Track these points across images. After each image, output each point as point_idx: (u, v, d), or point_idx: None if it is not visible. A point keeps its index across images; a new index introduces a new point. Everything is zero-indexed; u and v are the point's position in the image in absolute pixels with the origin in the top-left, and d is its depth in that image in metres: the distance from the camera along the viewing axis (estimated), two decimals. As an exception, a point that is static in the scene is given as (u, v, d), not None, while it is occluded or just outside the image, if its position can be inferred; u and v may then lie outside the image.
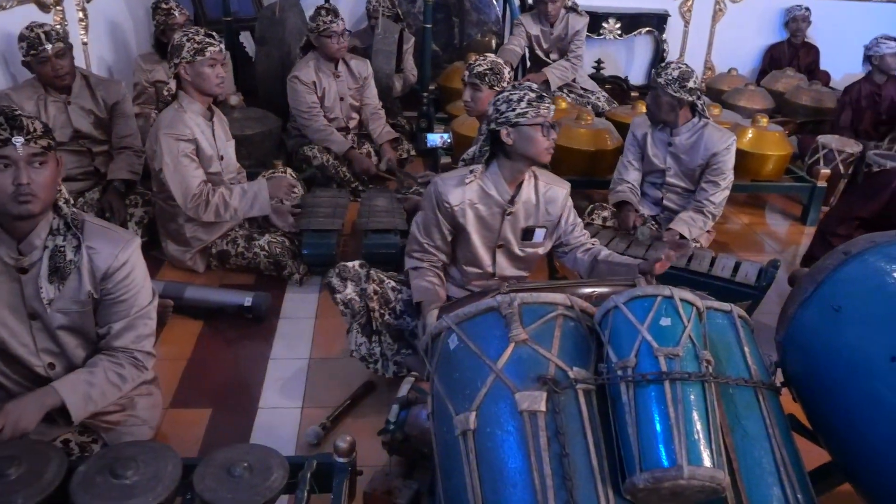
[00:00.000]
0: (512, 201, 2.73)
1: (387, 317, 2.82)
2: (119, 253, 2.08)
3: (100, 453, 1.88)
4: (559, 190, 2.82)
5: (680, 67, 3.59)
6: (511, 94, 2.58)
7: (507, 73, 3.41)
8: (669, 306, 1.69)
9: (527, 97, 2.56)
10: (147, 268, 2.23)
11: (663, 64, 3.65)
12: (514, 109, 2.56)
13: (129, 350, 2.14)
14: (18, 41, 3.37)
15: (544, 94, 2.59)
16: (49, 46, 3.35)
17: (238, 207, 3.45)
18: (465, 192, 2.71)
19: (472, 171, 2.72)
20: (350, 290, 2.81)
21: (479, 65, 3.39)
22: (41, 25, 3.40)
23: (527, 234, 2.81)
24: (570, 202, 2.87)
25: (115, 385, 2.11)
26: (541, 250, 2.90)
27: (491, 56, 3.47)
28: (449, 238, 2.79)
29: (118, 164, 3.73)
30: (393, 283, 2.87)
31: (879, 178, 3.62)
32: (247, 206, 3.48)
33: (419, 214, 2.85)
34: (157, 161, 3.33)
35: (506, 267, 2.88)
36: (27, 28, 3.36)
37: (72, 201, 2.07)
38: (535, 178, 2.78)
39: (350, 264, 2.86)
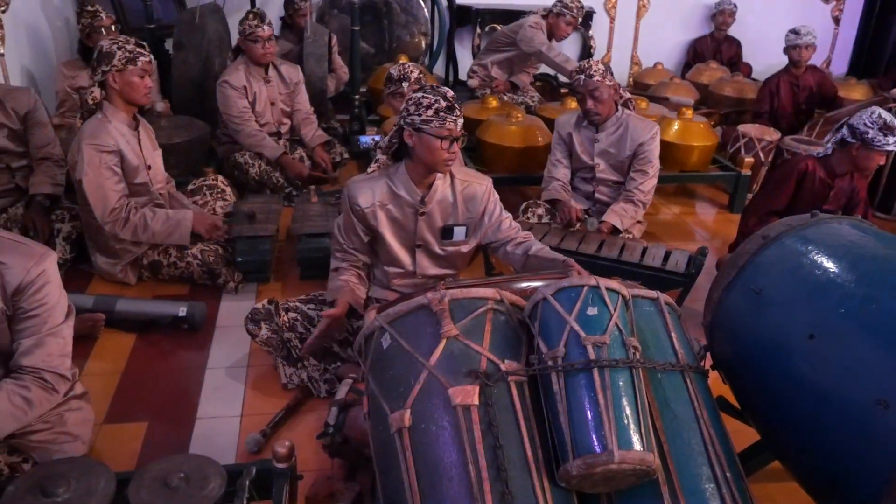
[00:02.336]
0: (423, 201, 2.73)
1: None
2: (32, 267, 2.01)
3: (29, 472, 1.84)
4: (478, 186, 2.81)
5: (597, 61, 3.71)
6: (423, 98, 2.52)
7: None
8: (596, 296, 1.73)
9: (436, 105, 2.50)
10: (73, 284, 2.16)
11: (583, 66, 3.69)
12: (420, 114, 2.52)
13: (38, 370, 2.04)
14: None
15: (456, 105, 2.54)
16: None
17: (157, 232, 3.38)
18: (374, 193, 2.71)
19: (376, 161, 2.72)
20: (265, 330, 2.84)
21: (413, 70, 3.54)
22: None
23: (446, 233, 2.81)
24: (493, 197, 2.85)
25: (20, 409, 2.00)
26: (464, 248, 2.89)
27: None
28: (365, 239, 2.80)
29: (39, 178, 3.61)
30: (311, 305, 2.90)
31: (784, 167, 3.73)
32: (166, 233, 3.41)
33: (340, 216, 2.86)
34: (78, 171, 3.24)
35: (427, 266, 2.88)
36: None
37: None
38: (452, 176, 2.77)
39: (259, 305, 2.91)
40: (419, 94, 2.55)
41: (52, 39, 5.16)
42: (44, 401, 2.07)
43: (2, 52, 4.27)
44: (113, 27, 4.50)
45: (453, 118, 2.52)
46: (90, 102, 3.27)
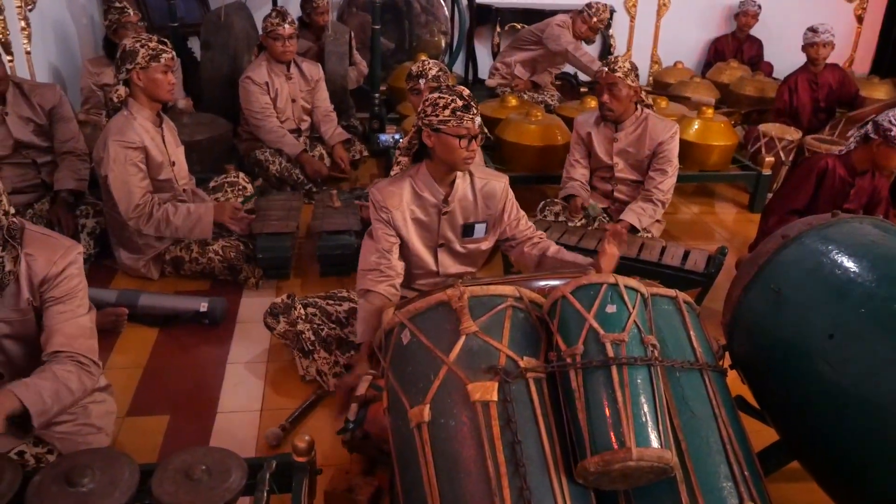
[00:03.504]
0: (446, 200, 2.74)
1: (326, 330, 2.84)
2: (58, 259, 2.05)
3: (55, 462, 1.87)
4: (496, 184, 2.82)
5: (626, 58, 3.70)
6: (439, 98, 2.54)
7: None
8: (615, 293, 1.74)
9: (452, 105, 2.52)
10: (97, 279, 2.19)
11: (610, 59, 3.69)
12: (437, 115, 2.53)
13: (74, 354, 2.07)
14: None
15: (472, 104, 2.54)
16: None
17: (179, 227, 3.42)
18: (399, 196, 2.72)
19: (398, 163, 2.76)
20: (282, 323, 2.88)
21: (432, 68, 3.54)
22: None
23: (467, 230, 2.83)
24: (510, 195, 2.86)
25: (68, 388, 2.01)
26: (483, 245, 2.91)
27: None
28: (398, 242, 2.78)
29: (63, 174, 3.66)
30: (330, 301, 2.94)
31: (805, 165, 3.70)
32: (188, 227, 3.44)
33: (367, 230, 2.85)
34: (104, 168, 3.29)
35: (449, 265, 2.89)
36: None
37: (12, 212, 2.01)
38: (471, 174, 2.78)
39: (278, 299, 2.94)
40: (435, 95, 2.57)
41: (77, 37, 5.23)
42: (84, 380, 2.08)
43: (28, 49, 4.33)
44: (139, 24, 4.56)
45: (470, 116, 2.53)
46: (115, 101, 3.32)
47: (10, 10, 4.12)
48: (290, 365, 2.97)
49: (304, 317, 2.84)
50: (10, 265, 1.99)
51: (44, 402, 1.96)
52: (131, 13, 4.48)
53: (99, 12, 5.60)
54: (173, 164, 3.50)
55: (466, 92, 2.58)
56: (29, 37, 4.34)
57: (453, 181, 2.74)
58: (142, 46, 3.25)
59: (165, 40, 3.35)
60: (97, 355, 2.18)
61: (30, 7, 4.37)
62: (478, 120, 2.57)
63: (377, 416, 2.27)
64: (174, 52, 3.39)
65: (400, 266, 2.77)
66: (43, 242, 2.07)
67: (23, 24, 4.29)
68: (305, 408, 2.73)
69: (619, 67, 3.61)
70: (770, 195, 4.71)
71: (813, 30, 5.32)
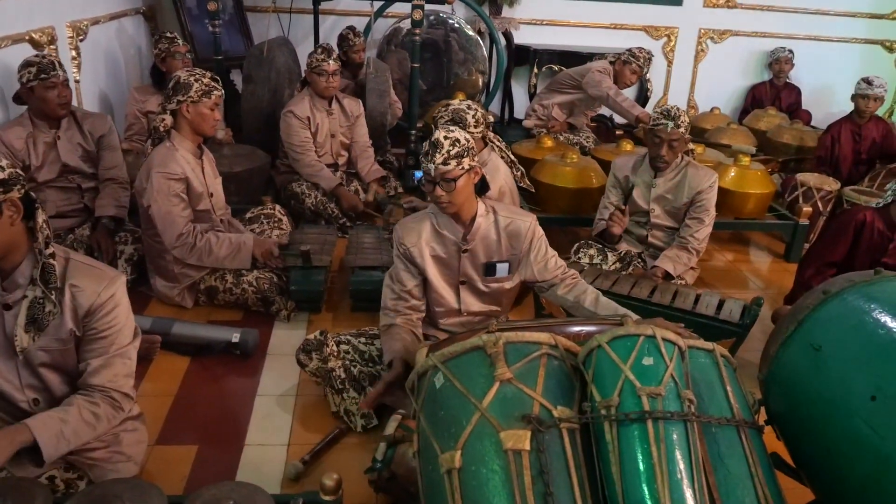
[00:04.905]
0: (465, 239, 2.76)
1: (359, 367, 2.84)
2: (102, 290, 2.08)
3: (85, 491, 1.88)
4: (522, 223, 2.81)
5: (683, 111, 3.69)
6: (425, 142, 2.62)
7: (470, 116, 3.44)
8: (652, 346, 1.72)
9: (422, 150, 2.61)
10: (132, 305, 2.21)
11: (672, 113, 3.64)
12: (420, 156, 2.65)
13: (106, 389, 2.12)
14: (23, 68, 3.37)
15: (431, 151, 2.56)
16: (60, 73, 3.44)
17: (221, 257, 3.48)
18: (419, 233, 2.76)
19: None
20: (315, 361, 2.86)
21: (443, 116, 3.47)
22: (49, 54, 3.46)
23: (488, 269, 2.83)
24: (537, 234, 2.84)
25: (90, 424, 2.07)
26: (507, 285, 2.90)
27: (453, 104, 3.54)
28: (418, 280, 2.81)
29: (105, 200, 3.75)
30: (362, 339, 2.92)
31: (842, 217, 3.66)
32: (230, 257, 3.50)
33: (392, 267, 2.89)
34: (147, 198, 3.35)
35: (472, 303, 2.90)
36: (35, 55, 3.42)
37: (49, 252, 2.02)
38: (495, 213, 2.80)
39: (311, 336, 2.92)
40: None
41: (124, 66, 5.37)
42: (111, 417, 2.13)
43: (77, 78, 4.45)
44: (188, 55, 4.70)
45: (426, 162, 2.58)
46: (161, 129, 3.39)
47: (62, 41, 4.25)
48: (320, 399, 2.96)
49: (335, 353, 2.84)
50: (51, 306, 2.03)
51: (58, 440, 2.00)
52: (180, 43, 4.64)
53: (146, 43, 5.76)
54: (211, 195, 3.56)
55: (435, 135, 2.58)
56: (79, 66, 4.47)
57: (473, 220, 2.75)
58: (196, 81, 3.33)
59: (217, 78, 3.44)
60: (133, 387, 2.20)
61: (81, 38, 4.50)
62: (442, 167, 2.55)
63: (404, 456, 2.26)
64: (223, 90, 3.46)
65: (420, 304, 2.84)
66: (88, 273, 2.10)
67: (73, 53, 4.41)
68: (327, 442, 2.71)
69: (682, 122, 3.62)
70: (807, 245, 4.66)
71: (868, 81, 5.27)
